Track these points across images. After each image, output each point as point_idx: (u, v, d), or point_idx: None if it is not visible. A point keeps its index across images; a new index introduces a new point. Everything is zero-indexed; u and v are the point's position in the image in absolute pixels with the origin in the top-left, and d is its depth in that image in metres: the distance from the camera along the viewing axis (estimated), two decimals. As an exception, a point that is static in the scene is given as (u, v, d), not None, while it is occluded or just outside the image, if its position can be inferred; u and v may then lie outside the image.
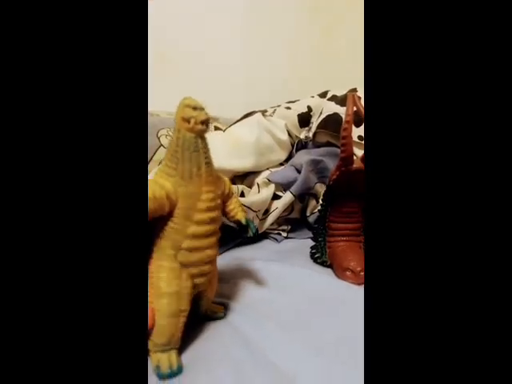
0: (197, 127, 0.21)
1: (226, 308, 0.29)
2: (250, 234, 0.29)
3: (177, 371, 0.22)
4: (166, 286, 0.22)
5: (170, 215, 0.22)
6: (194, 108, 0.21)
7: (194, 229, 0.22)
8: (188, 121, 0.21)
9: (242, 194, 0.47)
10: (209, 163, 0.23)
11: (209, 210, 0.23)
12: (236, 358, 0.23)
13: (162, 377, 0.21)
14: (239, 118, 0.59)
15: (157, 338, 0.22)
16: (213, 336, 0.25)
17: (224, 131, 0.54)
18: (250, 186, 0.50)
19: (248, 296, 0.31)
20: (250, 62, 0.96)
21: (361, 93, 0.53)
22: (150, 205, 0.20)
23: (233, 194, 0.27)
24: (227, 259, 0.39)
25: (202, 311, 0.27)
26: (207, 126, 0.21)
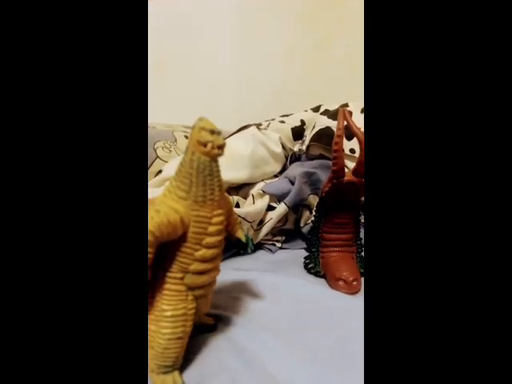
0: (213, 152, 0.21)
1: (217, 319, 0.29)
2: (249, 251, 0.29)
3: None
4: (172, 308, 0.22)
5: (180, 239, 0.22)
6: (212, 132, 0.20)
7: (203, 252, 0.22)
8: (205, 145, 0.20)
9: (237, 205, 0.48)
10: (221, 186, 0.23)
11: (218, 233, 0.23)
12: (231, 369, 0.23)
13: None
14: (234, 130, 0.60)
15: (162, 361, 0.22)
16: (208, 348, 0.26)
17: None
18: (245, 197, 0.51)
19: (243, 307, 0.32)
20: (242, 74, 0.98)
21: (357, 103, 0.55)
22: (164, 229, 0.20)
23: (233, 210, 0.27)
24: (222, 270, 0.39)
25: (195, 323, 0.27)
26: (223, 150, 0.21)
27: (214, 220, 0.22)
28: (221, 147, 0.21)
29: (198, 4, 0.95)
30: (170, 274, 0.22)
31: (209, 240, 0.22)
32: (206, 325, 0.28)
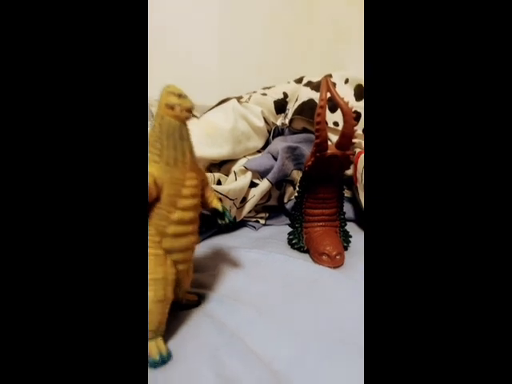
0: (182, 114, 0.21)
1: (200, 297, 0.28)
2: (226, 221, 0.28)
3: (167, 357, 0.22)
4: (152, 271, 0.22)
5: (154, 201, 0.22)
6: (179, 95, 0.21)
7: (179, 214, 0.23)
8: (172, 108, 0.21)
9: (219, 183, 0.47)
10: (192, 150, 0.23)
11: (193, 196, 0.23)
12: (212, 346, 0.23)
13: (153, 364, 0.21)
14: (214, 104, 0.58)
15: None
16: (189, 325, 0.25)
17: (199, 118, 0.52)
18: (227, 174, 0.49)
19: (225, 284, 0.31)
20: (223, 47, 0.94)
21: (342, 73, 0.53)
22: None
23: (208, 182, 0.27)
24: (205, 248, 0.39)
25: (178, 299, 0.26)
26: (191, 113, 0.22)
27: (188, 182, 0.23)
28: (189, 110, 0.21)
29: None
30: (148, 238, 0.22)
31: (184, 202, 0.23)
32: (190, 302, 0.28)
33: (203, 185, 0.27)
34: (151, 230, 0.22)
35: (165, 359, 0.21)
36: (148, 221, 0.22)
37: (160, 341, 0.22)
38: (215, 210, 0.28)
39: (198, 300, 0.28)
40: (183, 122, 0.22)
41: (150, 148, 0.22)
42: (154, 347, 0.22)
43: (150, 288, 0.21)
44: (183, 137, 0.22)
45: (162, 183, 0.22)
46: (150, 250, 0.22)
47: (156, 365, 0.21)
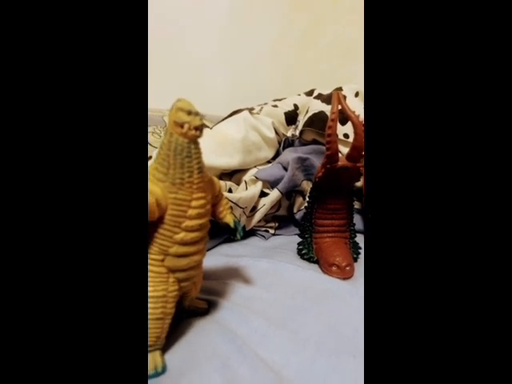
0: (190, 133, 0.20)
1: (209, 303, 0.29)
2: (238, 237, 0.28)
3: (161, 371, 0.22)
4: (152, 289, 0.22)
5: (158, 221, 0.22)
6: (189, 112, 0.20)
7: (182, 235, 0.22)
8: (181, 125, 0.20)
9: (230, 191, 0.47)
10: (201, 169, 0.22)
11: (199, 216, 0.23)
12: (223, 354, 0.23)
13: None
14: (226, 115, 0.59)
15: None
16: (200, 333, 0.26)
17: (211, 129, 0.54)
18: (238, 184, 0.50)
19: (236, 293, 0.31)
20: (234, 59, 0.96)
21: (352, 86, 0.54)
22: None
23: (222, 195, 0.27)
24: (215, 256, 0.39)
25: (185, 307, 0.27)
26: (201, 131, 0.21)
27: (194, 203, 0.22)
28: (198, 128, 0.20)
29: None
30: (150, 256, 0.22)
31: (188, 223, 0.22)
32: (199, 309, 0.28)
33: (216, 200, 0.26)
34: (154, 249, 0.22)
35: (158, 373, 0.22)
36: (149, 239, 0.22)
37: (157, 354, 0.22)
38: (227, 225, 0.27)
39: (208, 308, 0.28)
40: (192, 140, 0.21)
41: (156, 165, 0.21)
42: (151, 361, 0.22)
43: (149, 305, 0.22)
44: (191, 156, 0.21)
45: (166, 204, 0.21)
46: (151, 268, 0.22)
47: (149, 378, 0.21)
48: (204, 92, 0.94)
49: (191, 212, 0.22)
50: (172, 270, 0.23)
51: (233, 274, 0.35)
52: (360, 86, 0.53)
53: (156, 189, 0.21)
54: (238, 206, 0.43)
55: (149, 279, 0.22)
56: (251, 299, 0.30)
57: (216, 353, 0.23)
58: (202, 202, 0.23)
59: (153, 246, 0.22)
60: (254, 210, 0.47)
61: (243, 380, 0.21)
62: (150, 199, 0.20)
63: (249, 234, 0.48)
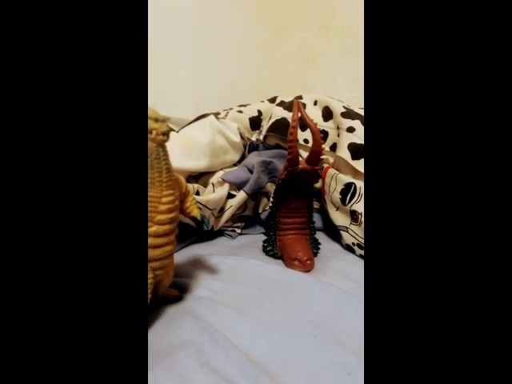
0: (158, 138, 0.23)
1: (181, 291, 0.32)
2: (205, 228, 0.31)
3: None
4: None
5: None
6: (156, 120, 0.23)
7: (155, 228, 0.25)
8: (150, 132, 0.22)
9: (197, 193, 0.49)
10: (169, 169, 0.25)
11: (169, 211, 0.26)
12: (196, 341, 0.25)
13: None
14: (192, 118, 0.60)
15: None
16: (173, 322, 0.27)
17: (178, 132, 0.55)
18: (205, 186, 0.52)
19: (206, 287, 0.33)
20: (198, 62, 0.97)
21: (311, 95, 0.58)
22: None
23: (189, 192, 0.30)
24: (185, 255, 0.41)
25: (159, 294, 0.29)
26: (168, 136, 0.24)
27: (164, 199, 0.25)
28: (165, 134, 0.23)
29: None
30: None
31: (160, 217, 0.25)
32: (172, 296, 0.31)
33: (183, 197, 0.29)
34: None
35: None
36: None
37: None
38: (195, 219, 0.31)
39: (180, 295, 0.31)
40: (160, 144, 0.23)
41: None
42: None
43: None
44: (160, 158, 0.24)
45: None
46: None
47: None
48: (170, 95, 0.95)
49: (162, 207, 0.25)
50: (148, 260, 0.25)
51: (203, 270, 0.37)
52: (319, 95, 0.57)
53: None
54: (206, 207, 0.45)
55: None
56: (221, 292, 0.32)
57: (189, 340, 0.25)
58: (171, 198, 0.26)
59: None
60: (221, 210, 0.49)
61: (216, 363, 0.23)
62: None
63: (217, 234, 0.50)
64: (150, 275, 0.26)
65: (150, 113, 0.22)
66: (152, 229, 0.25)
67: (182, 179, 0.29)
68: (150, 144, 0.23)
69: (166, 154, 0.24)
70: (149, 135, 0.23)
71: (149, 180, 0.24)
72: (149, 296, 0.26)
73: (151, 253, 0.25)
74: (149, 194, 0.24)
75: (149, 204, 0.24)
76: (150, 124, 0.22)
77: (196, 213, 0.30)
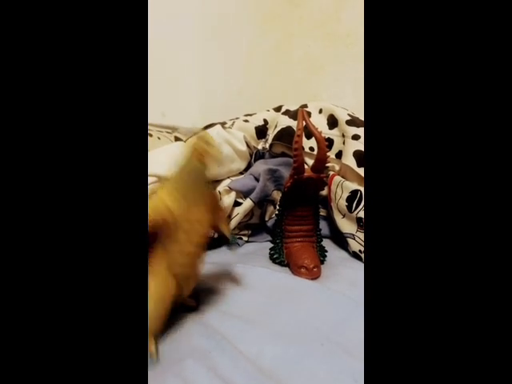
0: (209, 162, 0.24)
1: (197, 300, 0.32)
2: (231, 243, 0.32)
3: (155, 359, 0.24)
4: (157, 290, 0.24)
5: (175, 236, 0.24)
6: (208, 144, 0.24)
7: (192, 249, 0.26)
8: (203, 155, 0.24)
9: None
10: (210, 190, 0.26)
11: (206, 233, 0.26)
12: (204, 348, 0.26)
13: None
14: (199, 128, 0.61)
15: None
16: (181, 330, 0.28)
17: (185, 142, 0.56)
18: (212, 194, 0.53)
19: (213, 295, 0.34)
20: (205, 71, 0.99)
21: (316, 103, 0.59)
22: (154, 214, 0.23)
23: (220, 206, 0.30)
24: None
25: (175, 304, 0.29)
26: (218, 161, 0.25)
27: (205, 223, 0.26)
28: (214, 158, 0.24)
29: (161, 5, 0.94)
30: (159, 261, 0.25)
31: (198, 239, 0.26)
32: (188, 306, 0.31)
33: (215, 211, 0.29)
34: (164, 257, 0.25)
35: (151, 360, 0.24)
36: (161, 249, 0.25)
37: (151, 344, 0.25)
38: (223, 235, 0.31)
39: (196, 305, 0.31)
40: (208, 167, 0.25)
41: (175, 185, 0.24)
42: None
43: (150, 304, 0.24)
44: (207, 181, 0.25)
45: (180, 220, 0.24)
46: (158, 269, 0.25)
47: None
48: (177, 105, 0.96)
49: (201, 229, 0.26)
50: (176, 277, 0.25)
51: (210, 279, 0.37)
52: (324, 103, 0.58)
53: (171, 204, 0.24)
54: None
55: (155, 283, 0.24)
56: (228, 300, 0.33)
57: (197, 348, 0.26)
58: (209, 217, 0.26)
59: (164, 254, 0.25)
60: (228, 218, 0.50)
61: (224, 369, 0.23)
62: (162, 205, 0.23)
63: (224, 241, 0.51)
64: (174, 291, 0.26)
65: (206, 137, 0.24)
66: (189, 249, 0.25)
67: (216, 193, 0.30)
68: (199, 167, 0.24)
69: (209, 177, 0.26)
70: (201, 158, 0.24)
71: (193, 202, 0.24)
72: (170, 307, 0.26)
73: (182, 271, 0.26)
74: (192, 216, 0.24)
75: (190, 226, 0.25)
76: (204, 147, 0.23)
77: (224, 229, 0.31)
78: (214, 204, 0.27)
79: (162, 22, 0.94)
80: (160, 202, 0.24)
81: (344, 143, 0.51)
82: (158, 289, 0.25)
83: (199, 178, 0.24)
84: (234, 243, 0.32)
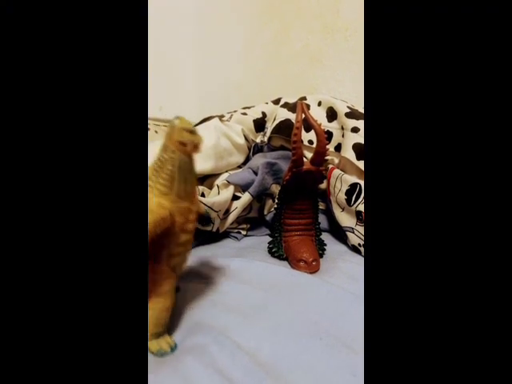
0: (193, 151, 0.23)
1: (186, 299, 0.32)
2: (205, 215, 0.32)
3: (175, 347, 0.25)
4: (165, 285, 0.25)
5: (172, 230, 0.24)
6: (191, 132, 0.22)
7: (186, 237, 0.25)
8: (185, 144, 0.22)
9: (203, 195, 0.49)
10: (196, 179, 0.26)
11: (195, 219, 0.26)
12: (201, 343, 0.25)
13: (164, 354, 0.25)
14: (196, 121, 0.61)
15: (156, 329, 0.25)
16: (178, 326, 0.28)
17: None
18: (210, 188, 0.52)
19: (211, 289, 0.33)
20: (203, 65, 0.98)
21: (315, 96, 0.58)
22: (158, 227, 0.22)
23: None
24: (191, 257, 0.41)
25: None
26: (199, 148, 0.23)
27: (194, 209, 0.26)
28: (198, 145, 0.23)
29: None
30: (162, 258, 0.25)
31: (190, 226, 0.26)
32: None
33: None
34: (165, 252, 0.25)
35: (173, 349, 0.25)
36: (160, 243, 0.24)
37: (167, 337, 0.25)
38: (201, 215, 0.31)
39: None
40: (192, 156, 0.23)
41: (159, 180, 0.23)
42: (165, 343, 0.25)
43: (161, 299, 0.25)
44: (192, 170, 0.24)
45: (174, 214, 0.24)
46: (164, 268, 0.25)
47: (166, 354, 0.25)
48: (175, 98, 0.95)
49: (192, 216, 0.25)
50: (173, 268, 0.26)
51: (208, 272, 0.37)
52: (323, 96, 0.57)
53: (165, 203, 0.23)
54: (212, 209, 0.45)
55: (161, 276, 0.25)
56: (226, 294, 0.32)
57: (195, 342, 0.25)
58: (197, 205, 0.26)
59: (164, 249, 0.25)
60: (227, 212, 0.49)
61: (222, 364, 0.23)
62: (165, 213, 0.23)
63: (222, 235, 0.51)
64: (175, 282, 0.26)
65: (185, 124, 0.22)
66: (183, 238, 0.25)
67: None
68: (184, 157, 0.23)
69: (194, 165, 0.24)
70: (183, 148, 0.22)
71: (183, 193, 0.24)
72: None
73: (178, 261, 0.26)
74: (182, 206, 0.24)
75: (183, 216, 0.24)
76: (186, 136, 0.22)
77: (200, 208, 0.31)
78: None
79: (160, 14, 0.93)
80: (155, 203, 0.23)
81: (343, 136, 0.51)
82: (168, 283, 0.25)
83: (187, 169, 0.23)
84: (207, 216, 0.31)
